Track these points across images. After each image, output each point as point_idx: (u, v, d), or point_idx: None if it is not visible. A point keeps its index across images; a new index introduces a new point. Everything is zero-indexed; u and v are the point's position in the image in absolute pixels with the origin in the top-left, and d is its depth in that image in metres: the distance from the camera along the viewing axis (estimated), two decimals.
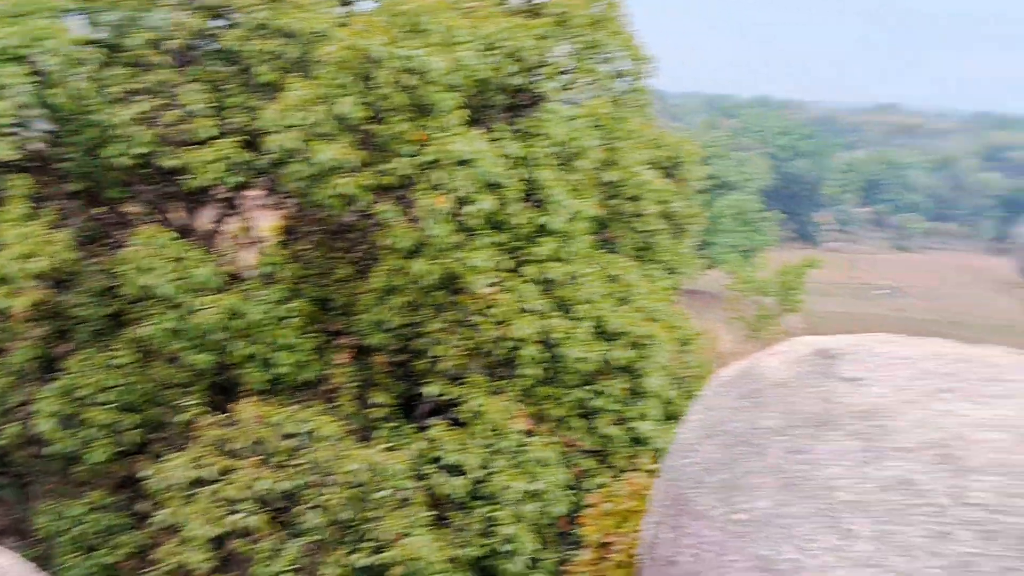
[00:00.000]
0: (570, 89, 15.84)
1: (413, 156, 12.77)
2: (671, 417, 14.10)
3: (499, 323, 13.47)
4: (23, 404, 14.47)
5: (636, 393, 14.32)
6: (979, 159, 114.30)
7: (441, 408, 14.03)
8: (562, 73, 15.35)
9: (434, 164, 12.70)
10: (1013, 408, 4.02)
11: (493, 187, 13.12)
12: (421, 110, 12.94)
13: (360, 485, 11.84)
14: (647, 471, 9.71)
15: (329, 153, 12.56)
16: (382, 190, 13.10)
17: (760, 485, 4.42)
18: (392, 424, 13.82)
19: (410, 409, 14.53)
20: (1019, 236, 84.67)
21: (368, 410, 14.00)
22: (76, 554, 13.64)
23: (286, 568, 11.47)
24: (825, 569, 3.76)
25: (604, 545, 8.47)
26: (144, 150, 14.07)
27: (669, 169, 17.63)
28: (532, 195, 13.87)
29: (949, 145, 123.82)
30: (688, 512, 4.84)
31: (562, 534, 13.45)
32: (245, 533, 11.57)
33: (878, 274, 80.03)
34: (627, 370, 14.24)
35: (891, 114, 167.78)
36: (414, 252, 12.98)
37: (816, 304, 54.72)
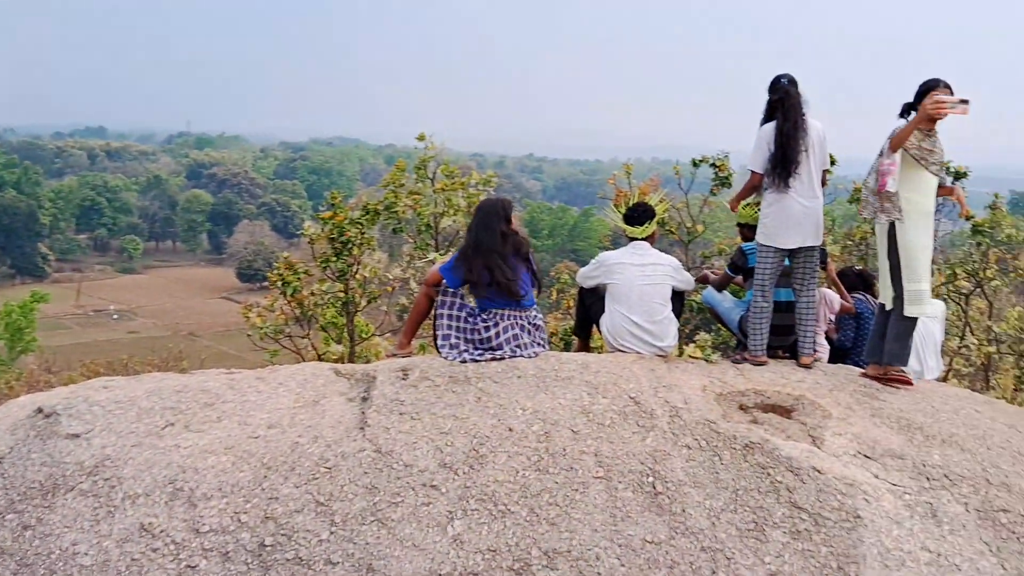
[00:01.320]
0: None
1: None
2: None
3: None
4: None
5: None
6: (184, 177, 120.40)
7: None
8: None
9: None
10: (229, 429, 4.35)
11: None
12: None
13: None
14: None
15: None
16: None
17: None
18: None
19: None
20: (233, 245, 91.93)
21: None
22: None
23: None
24: None
25: None
26: None
27: None
28: None
29: (157, 166, 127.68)
30: None
31: None
32: None
33: (108, 299, 78.83)
34: None
35: (98, 138, 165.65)
36: None
37: (52, 339, 51.72)
